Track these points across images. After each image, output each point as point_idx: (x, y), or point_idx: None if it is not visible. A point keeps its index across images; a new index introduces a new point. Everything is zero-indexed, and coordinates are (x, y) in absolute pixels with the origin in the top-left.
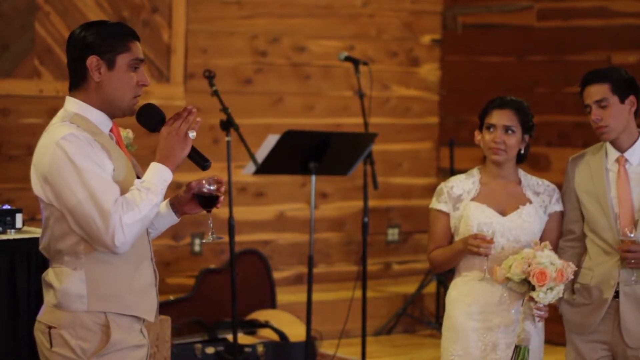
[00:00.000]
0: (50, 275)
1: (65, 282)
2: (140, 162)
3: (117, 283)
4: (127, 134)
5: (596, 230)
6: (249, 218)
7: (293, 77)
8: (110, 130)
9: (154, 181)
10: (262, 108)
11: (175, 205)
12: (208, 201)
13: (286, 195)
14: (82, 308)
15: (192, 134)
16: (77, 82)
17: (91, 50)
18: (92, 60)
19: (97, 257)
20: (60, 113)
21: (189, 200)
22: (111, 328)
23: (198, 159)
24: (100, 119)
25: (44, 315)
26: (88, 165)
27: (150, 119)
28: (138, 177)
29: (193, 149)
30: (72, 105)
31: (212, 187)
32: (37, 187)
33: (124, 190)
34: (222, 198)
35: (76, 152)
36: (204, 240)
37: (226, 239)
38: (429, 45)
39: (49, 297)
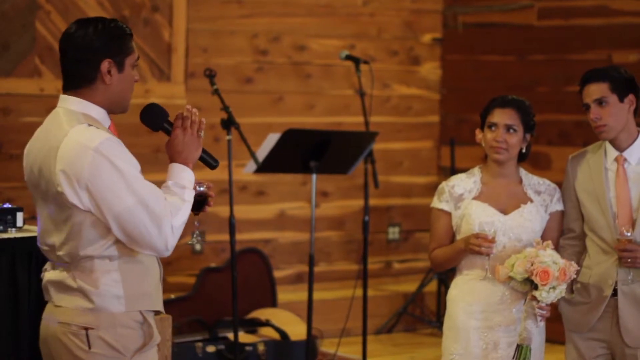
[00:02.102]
0: (73, 279)
1: (101, 284)
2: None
3: (146, 281)
4: None
5: (595, 229)
6: (249, 217)
7: (294, 76)
8: (109, 127)
9: (184, 182)
10: (263, 107)
11: None
12: (199, 203)
13: (287, 194)
14: (120, 309)
15: (203, 134)
16: (80, 83)
17: (104, 54)
18: (105, 65)
19: (129, 258)
20: (63, 114)
21: None
22: (154, 326)
23: (208, 159)
24: (102, 117)
25: (75, 317)
26: (132, 171)
27: (154, 118)
28: None
29: (203, 149)
30: (74, 104)
31: (201, 189)
32: (71, 194)
33: None
34: (212, 201)
35: (117, 157)
36: (188, 242)
37: (225, 237)
38: (429, 44)
39: (74, 301)
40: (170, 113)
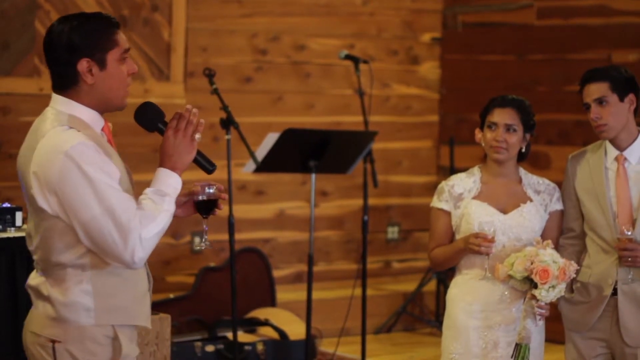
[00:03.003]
0: (46, 286)
1: (70, 295)
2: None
3: (122, 294)
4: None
5: (595, 228)
6: (249, 216)
7: (293, 75)
8: (102, 129)
9: (167, 190)
10: (262, 106)
11: None
12: (209, 206)
13: (286, 194)
14: (90, 322)
15: (197, 137)
16: (66, 84)
17: (80, 53)
18: (82, 64)
19: (103, 270)
20: (50, 114)
21: (183, 204)
22: (121, 341)
23: (204, 163)
24: (93, 118)
25: (44, 328)
26: (101, 177)
27: (149, 118)
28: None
29: (199, 152)
30: (64, 105)
31: (211, 191)
32: (40, 197)
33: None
34: (221, 207)
35: (88, 162)
36: (196, 248)
37: (224, 237)
38: (429, 43)
39: (45, 310)
40: (169, 113)
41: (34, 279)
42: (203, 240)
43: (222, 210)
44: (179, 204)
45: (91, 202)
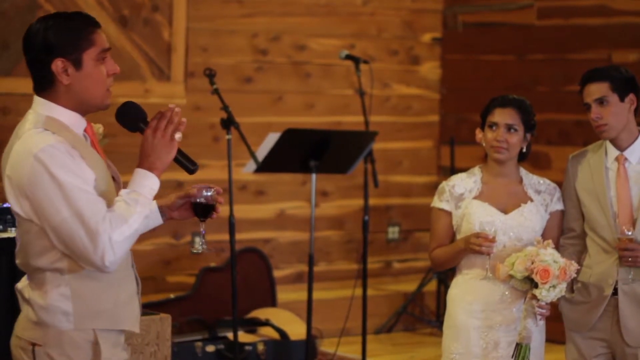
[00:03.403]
0: (28, 290)
1: (48, 299)
2: (126, 160)
3: (103, 298)
4: (97, 129)
5: (595, 228)
6: (249, 216)
7: (293, 75)
8: (85, 130)
9: (142, 191)
10: (263, 106)
11: (164, 208)
12: (207, 209)
13: (286, 194)
14: (68, 326)
15: (178, 136)
16: (43, 85)
17: (54, 53)
18: (57, 64)
19: (81, 274)
20: (30, 116)
21: (180, 206)
22: (101, 345)
23: (185, 163)
24: (73, 120)
25: (25, 331)
26: (71, 180)
27: (130, 118)
28: (114, 179)
29: (180, 151)
30: (42, 107)
31: (209, 194)
32: (13, 201)
33: (105, 199)
34: (219, 208)
35: (57, 165)
36: (193, 251)
37: (225, 237)
38: (429, 43)
39: (27, 313)
40: None
41: (22, 282)
42: (201, 243)
43: (222, 212)
44: (175, 206)
45: (60, 206)
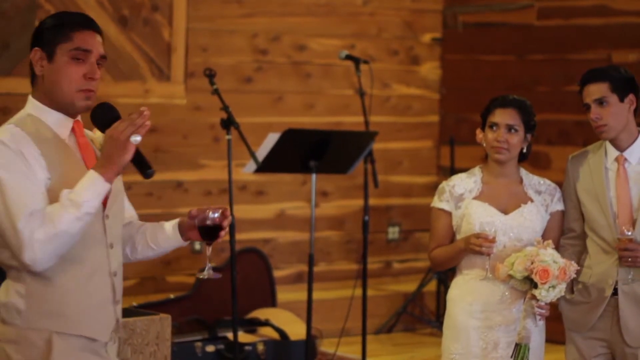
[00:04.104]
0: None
1: (7, 295)
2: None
3: (60, 300)
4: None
5: (595, 229)
6: (249, 216)
7: (293, 75)
8: (73, 130)
9: (82, 193)
10: (263, 106)
11: (182, 228)
12: (210, 232)
13: (286, 194)
14: (21, 324)
15: (135, 139)
16: (31, 77)
17: (35, 42)
18: (34, 53)
19: (36, 274)
20: (19, 113)
21: (192, 227)
22: (53, 347)
23: (140, 166)
24: (56, 120)
25: None
26: (7, 176)
27: (103, 119)
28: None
29: (137, 154)
30: (29, 105)
31: (215, 215)
32: None
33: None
34: (224, 232)
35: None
36: (199, 276)
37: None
38: (429, 43)
39: None
40: (170, 113)
41: None
42: (207, 268)
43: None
44: (186, 228)
45: None
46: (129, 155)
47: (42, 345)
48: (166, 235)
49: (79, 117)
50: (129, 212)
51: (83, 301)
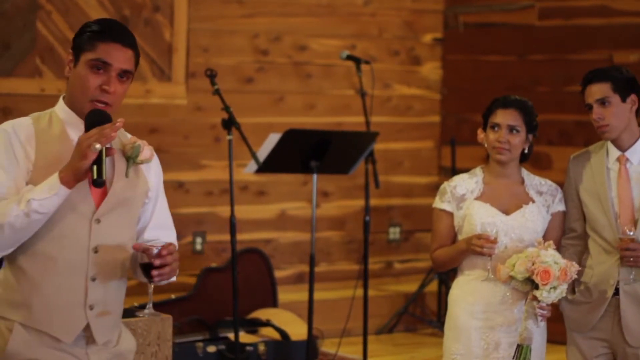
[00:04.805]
0: None
1: None
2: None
3: (27, 292)
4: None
5: (597, 229)
6: (250, 217)
7: (294, 75)
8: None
9: (36, 191)
10: (264, 107)
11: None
12: (146, 270)
13: (287, 194)
14: None
15: (96, 147)
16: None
17: (71, 46)
18: (68, 55)
19: (13, 261)
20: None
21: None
22: (12, 337)
23: (92, 173)
24: (70, 121)
25: None
26: None
27: (89, 124)
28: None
29: (95, 163)
30: (58, 103)
31: (155, 251)
32: None
33: None
34: (160, 272)
35: None
36: (140, 315)
37: (226, 237)
38: (430, 44)
39: None
40: (170, 113)
41: None
42: (147, 307)
43: (224, 213)
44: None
45: None
46: (87, 161)
47: (5, 334)
48: (134, 264)
49: None
50: (160, 232)
51: (49, 298)
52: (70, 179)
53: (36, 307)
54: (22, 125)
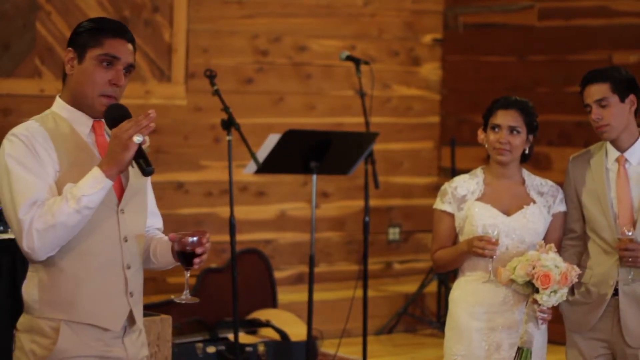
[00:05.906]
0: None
1: (28, 285)
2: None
3: (71, 290)
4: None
5: (596, 229)
6: (250, 217)
7: (294, 76)
8: (93, 129)
9: (83, 187)
10: (263, 107)
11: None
12: (186, 258)
13: (287, 195)
14: (36, 313)
15: (137, 138)
16: (62, 77)
17: (70, 44)
18: (67, 53)
19: (49, 262)
20: (45, 111)
21: (167, 253)
22: (60, 335)
23: (140, 164)
24: (76, 118)
25: (20, 317)
26: (16, 167)
27: (113, 118)
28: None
29: (138, 153)
30: (54, 104)
31: (192, 240)
32: None
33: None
34: (200, 259)
35: (11, 152)
36: (176, 299)
37: (226, 238)
38: (430, 44)
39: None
40: (170, 113)
41: None
42: (184, 293)
43: (223, 213)
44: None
45: (4, 189)
46: (130, 153)
47: (52, 334)
48: (164, 251)
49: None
50: (152, 220)
51: (94, 291)
52: (114, 171)
53: (82, 303)
54: (34, 129)
